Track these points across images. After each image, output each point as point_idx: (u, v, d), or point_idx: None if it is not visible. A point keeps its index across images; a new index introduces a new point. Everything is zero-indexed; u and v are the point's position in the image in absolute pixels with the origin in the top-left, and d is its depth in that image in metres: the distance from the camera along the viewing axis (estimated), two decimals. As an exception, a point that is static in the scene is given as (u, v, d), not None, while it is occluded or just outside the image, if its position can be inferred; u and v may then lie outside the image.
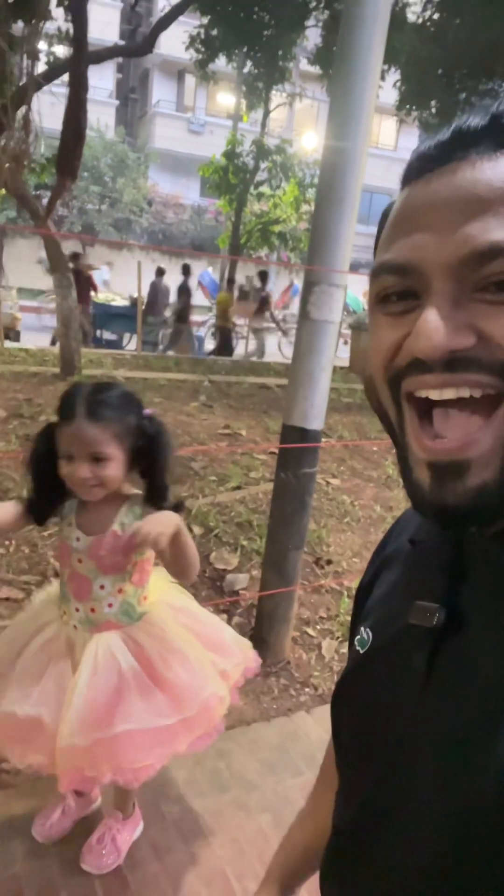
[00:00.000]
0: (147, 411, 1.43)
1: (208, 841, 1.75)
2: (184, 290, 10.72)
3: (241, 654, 1.69)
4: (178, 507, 1.44)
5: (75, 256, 10.03)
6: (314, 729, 2.20)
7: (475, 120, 0.43)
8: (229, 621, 2.75)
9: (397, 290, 0.45)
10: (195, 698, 1.45)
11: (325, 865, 0.61)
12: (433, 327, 0.41)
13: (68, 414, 1.33)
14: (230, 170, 10.86)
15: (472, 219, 0.41)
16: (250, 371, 9.12)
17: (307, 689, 2.45)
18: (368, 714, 0.56)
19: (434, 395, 0.43)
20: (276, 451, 2.32)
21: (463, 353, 0.41)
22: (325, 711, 0.77)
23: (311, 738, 2.16)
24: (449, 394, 0.43)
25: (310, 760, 2.05)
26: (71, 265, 8.01)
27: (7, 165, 5.87)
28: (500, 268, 0.40)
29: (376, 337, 0.48)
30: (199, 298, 16.18)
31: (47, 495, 1.44)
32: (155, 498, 1.43)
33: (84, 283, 9.94)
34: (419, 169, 0.45)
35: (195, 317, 11.79)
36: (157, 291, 10.32)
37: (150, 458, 1.42)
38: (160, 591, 1.63)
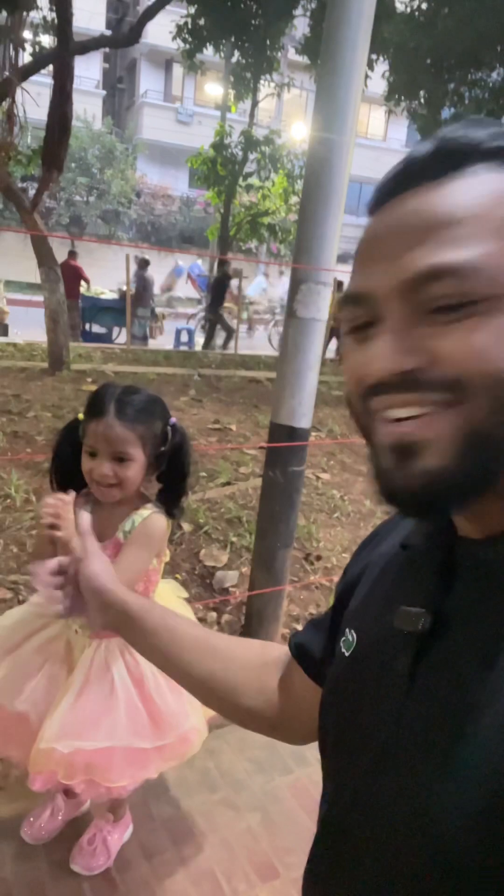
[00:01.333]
0: (173, 420, 1.44)
1: (197, 841, 1.75)
2: (216, 285, 10.70)
3: None
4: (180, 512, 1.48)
5: (71, 254, 9.98)
6: (304, 726, 2.20)
7: (423, 148, 0.46)
8: (219, 619, 2.74)
9: (361, 320, 0.48)
10: (177, 727, 1.43)
11: (310, 866, 0.62)
12: (377, 354, 0.44)
13: (98, 411, 1.34)
14: (219, 161, 10.77)
15: (414, 245, 0.43)
16: (241, 365, 9.10)
17: (297, 686, 2.45)
18: (352, 717, 0.56)
19: (397, 412, 0.45)
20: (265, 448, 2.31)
21: (415, 374, 0.43)
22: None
23: (300, 735, 2.16)
24: (411, 411, 0.44)
25: (299, 759, 2.05)
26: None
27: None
28: (442, 290, 0.42)
29: (347, 361, 0.50)
30: (189, 290, 16.15)
31: (69, 488, 1.45)
32: (168, 503, 1.46)
33: (73, 276, 9.88)
34: (377, 201, 0.48)
35: (188, 309, 11.77)
36: (142, 283, 10.24)
37: (170, 465, 1.44)
38: (165, 604, 1.61)
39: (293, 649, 0.76)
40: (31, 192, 6.61)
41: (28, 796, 1.76)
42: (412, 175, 0.46)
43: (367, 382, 0.46)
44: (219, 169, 10.77)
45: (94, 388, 1.44)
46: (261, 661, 0.79)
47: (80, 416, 1.40)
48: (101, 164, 21.20)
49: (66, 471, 1.43)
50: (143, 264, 10.16)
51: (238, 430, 5.26)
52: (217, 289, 11.08)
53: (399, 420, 0.45)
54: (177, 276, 15.21)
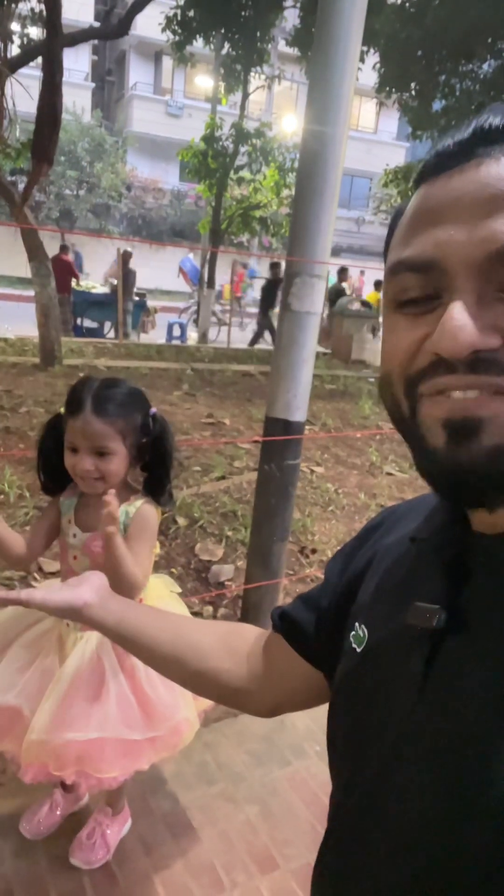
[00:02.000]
0: (153, 410, 1.44)
1: (197, 834, 1.75)
2: (269, 287, 10.63)
3: None
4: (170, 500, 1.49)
5: (63, 249, 9.94)
6: (301, 719, 2.21)
7: (496, 119, 0.41)
8: (215, 613, 2.75)
9: (417, 291, 0.44)
10: (168, 719, 1.43)
11: (320, 866, 0.61)
12: (459, 325, 0.40)
13: (75, 407, 1.35)
14: (209, 154, 10.72)
15: (495, 214, 0.39)
16: (233, 359, 9.08)
17: (293, 679, 2.46)
18: (364, 715, 0.55)
19: (458, 395, 0.42)
20: (260, 442, 2.31)
21: (487, 355, 0.40)
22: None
23: (297, 728, 2.17)
24: (472, 394, 0.41)
25: (297, 751, 2.06)
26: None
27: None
28: None
29: (394, 337, 0.46)
30: (180, 284, 16.07)
31: (56, 483, 1.48)
32: (153, 492, 1.46)
33: (64, 271, 9.83)
34: (438, 166, 0.44)
35: (179, 304, 11.66)
36: (126, 276, 10.18)
37: (152, 455, 1.45)
38: (158, 599, 1.60)
39: (279, 621, 0.76)
40: (21, 186, 6.56)
41: (26, 792, 1.76)
42: (486, 142, 0.41)
43: (426, 360, 0.43)
44: (210, 162, 10.72)
45: None
46: (229, 629, 0.81)
47: (62, 410, 1.40)
48: (90, 158, 21.05)
49: (52, 466, 1.44)
50: (127, 257, 10.09)
51: (232, 423, 5.26)
52: (269, 291, 10.92)
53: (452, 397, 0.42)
54: (182, 267, 15.09)
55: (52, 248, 7.10)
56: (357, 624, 0.60)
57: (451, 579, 0.49)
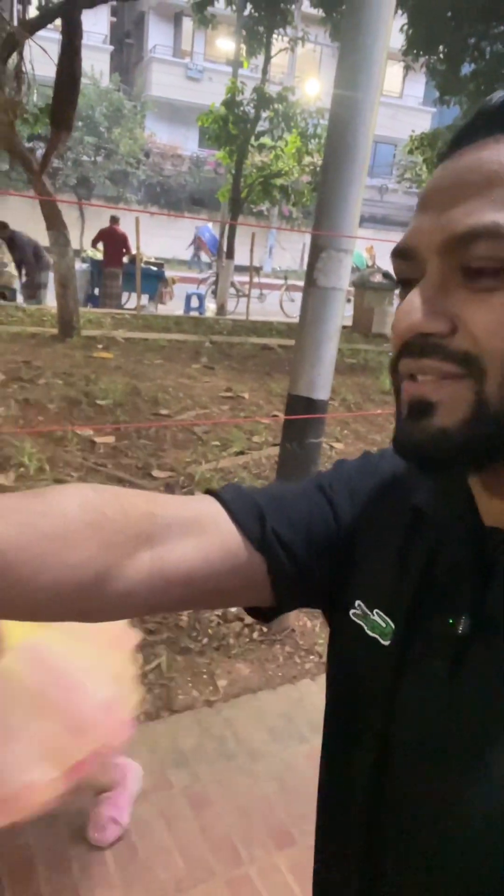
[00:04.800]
0: None
1: (215, 808, 1.78)
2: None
3: (102, 730, 1.36)
4: None
5: (113, 220, 9.77)
6: (319, 696, 2.22)
7: (497, 96, 0.42)
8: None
9: (407, 275, 0.45)
10: (7, 781, 1.23)
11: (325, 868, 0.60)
12: (408, 308, 0.42)
13: None
14: (230, 119, 10.47)
15: (460, 202, 0.41)
16: (252, 332, 9.00)
17: (311, 657, 2.46)
18: (383, 714, 0.52)
19: (419, 378, 0.44)
20: (281, 419, 2.28)
21: (434, 339, 0.42)
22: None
23: (315, 705, 2.18)
24: (426, 378, 0.43)
25: (315, 727, 2.07)
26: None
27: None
28: (478, 252, 0.40)
29: (394, 318, 0.47)
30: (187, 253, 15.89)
31: None
32: None
33: (116, 243, 9.71)
34: (447, 149, 0.45)
35: (194, 273, 11.52)
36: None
37: None
38: (25, 631, 1.33)
39: (264, 533, 0.54)
40: (39, 153, 6.47)
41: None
42: (481, 126, 0.42)
43: (395, 342, 0.45)
44: (230, 128, 10.48)
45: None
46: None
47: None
48: (108, 123, 20.68)
49: None
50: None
51: (251, 398, 5.22)
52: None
53: (417, 380, 0.44)
54: (201, 237, 14.87)
55: (69, 216, 6.98)
56: (364, 605, 0.54)
57: (473, 582, 0.47)
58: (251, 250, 11.19)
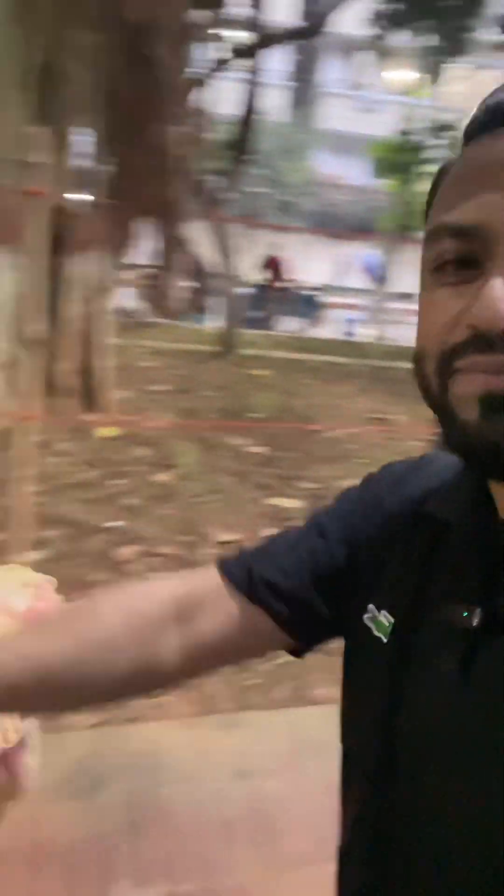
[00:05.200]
0: None
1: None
2: None
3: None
4: None
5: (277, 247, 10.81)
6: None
7: None
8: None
9: (456, 258, 0.41)
10: None
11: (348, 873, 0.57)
12: (499, 296, 0.37)
13: None
14: (403, 149, 10.49)
15: None
16: (407, 357, 8.88)
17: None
18: (391, 716, 0.50)
19: (493, 381, 0.38)
20: (433, 437, 2.26)
21: None
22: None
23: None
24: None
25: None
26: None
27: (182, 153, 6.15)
28: None
29: (431, 308, 0.43)
30: (352, 281, 15.93)
31: None
32: None
33: (279, 270, 10.71)
34: (488, 123, 0.41)
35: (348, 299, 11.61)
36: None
37: None
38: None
39: (252, 584, 0.57)
40: (219, 185, 6.90)
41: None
42: None
43: (464, 335, 0.39)
44: (403, 157, 10.51)
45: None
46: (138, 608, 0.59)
47: None
48: (280, 155, 21.54)
49: None
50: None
51: (398, 420, 5.17)
52: None
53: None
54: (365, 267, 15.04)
55: (233, 243, 7.35)
56: (375, 608, 0.53)
57: (487, 574, 0.45)
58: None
